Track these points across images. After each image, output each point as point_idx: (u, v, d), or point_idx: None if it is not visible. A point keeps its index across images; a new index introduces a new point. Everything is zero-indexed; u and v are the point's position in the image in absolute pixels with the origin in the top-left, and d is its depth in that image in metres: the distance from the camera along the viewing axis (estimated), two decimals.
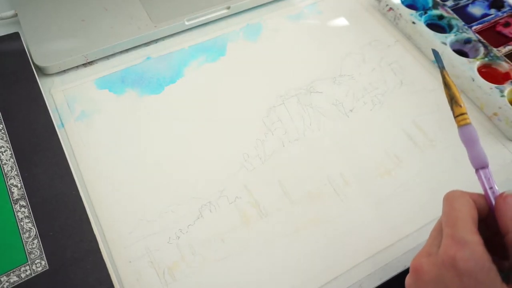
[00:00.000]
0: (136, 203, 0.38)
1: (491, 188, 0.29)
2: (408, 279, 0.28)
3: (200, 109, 0.45)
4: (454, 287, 0.25)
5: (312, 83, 0.47)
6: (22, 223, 0.35)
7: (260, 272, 0.36)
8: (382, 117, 0.45)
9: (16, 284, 0.32)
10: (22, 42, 0.46)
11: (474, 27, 0.51)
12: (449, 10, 0.52)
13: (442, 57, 0.37)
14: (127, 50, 0.49)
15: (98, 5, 0.50)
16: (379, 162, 0.42)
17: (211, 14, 0.51)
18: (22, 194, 0.36)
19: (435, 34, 0.49)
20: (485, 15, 0.53)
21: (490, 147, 0.44)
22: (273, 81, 0.47)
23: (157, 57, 0.48)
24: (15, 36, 0.46)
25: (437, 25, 0.52)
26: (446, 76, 0.33)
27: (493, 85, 0.45)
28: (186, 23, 0.50)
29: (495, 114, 0.45)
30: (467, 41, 0.49)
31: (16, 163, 0.38)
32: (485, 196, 0.29)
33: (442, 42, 0.48)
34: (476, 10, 0.54)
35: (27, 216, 0.35)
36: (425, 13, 0.51)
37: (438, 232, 0.28)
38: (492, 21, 0.52)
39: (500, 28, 0.52)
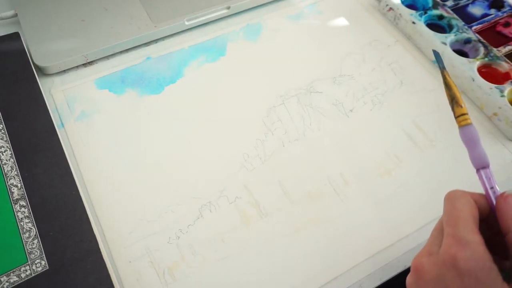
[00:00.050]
0: (136, 203, 0.38)
1: (492, 188, 0.29)
2: (409, 279, 0.28)
3: (200, 109, 0.45)
4: (455, 287, 0.25)
5: (312, 83, 0.47)
6: (22, 223, 0.35)
7: (260, 272, 0.36)
8: (382, 117, 0.45)
9: (16, 284, 0.32)
10: (22, 42, 0.46)
11: (474, 27, 0.51)
12: (449, 10, 0.52)
13: (442, 57, 0.37)
14: (127, 50, 0.49)
15: (98, 5, 0.50)
16: (379, 162, 0.42)
17: (211, 14, 0.51)
18: (22, 194, 0.36)
19: (435, 34, 0.49)
20: (485, 15, 0.53)
21: (490, 147, 0.44)
22: (273, 81, 0.47)
23: (157, 57, 0.48)
24: (15, 36, 0.46)
25: (437, 25, 0.52)
26: (447, 76, 0.33)
27: (493, 85, 0.45)
28: (186, 23, 0.50)
29: (495, 114, 0.45)
30: (467, 41, 0.49)
31: (16, 163, 0.38)
32: (486, 196, 0.29)
33: (442, 42, 0.48)
34: (476, 10, 0.54)
35: (27, 216, 0.35)
36: (425, 13, 0.51)
37: (439, 231, 0.28)
38: (492, 21, 0.52)
39: (500, 28, 0.52)
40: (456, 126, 0.32)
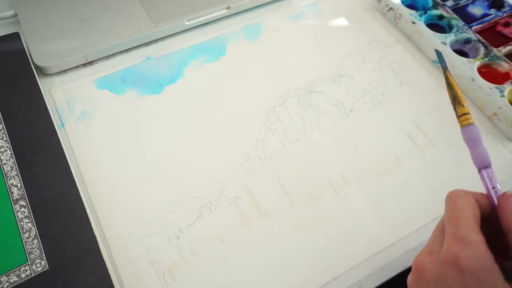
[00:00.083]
0: (136, 203, 0.38)
1: (493, 187, 0.29)
2: (410, 278, 0.28)
3: (200, 109, 0.45)
4: (456, 286, 0.25)
5: (312, 83, 0.47)
6: (22, 223, 0.35)
7: (260, 272, 0.36)
8: (382, 117, 0.45)
9: (16, 284, 0.32)
10: (22, 42, 0.46)
11: (474, 27, 0.51)
12: (449, 10, 0.52)
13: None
14: (127, 50, 0.49)
15: (98, 5, 0.50)
16: (379, 162, 0.42)
17: (211, 14, 0.51)
18: (22, 194, 0.36)
19: (435, 34, 0.49)
20: (485, 15, 0.53)
21: (490, 147, 0.44)
22: (273, 81, 0.47)
23: (157, 57, 0.48)
24: (15, 36, 0.46)
25: (437, 25, 0.52)
26: (449, 76, 0.33)
27: (493, 85, 0.45)
28: (186, 23, 0.50)
29: (495, 114, 0.45)
30: (467, 41, 0.49)
31: (16, 163, 0.37)
32: (488, 196, 0.29)
33: (442, 42, 0.48)
34: (476, 10, 0.54)
35: (27, 216, 0.35)
36: (425, 13, 0.51)
37: (441, 230, 0.28)
38: (492, 21, 0.52)
39: (500, 28, 0.52)
40: (456, 126, 0.32)
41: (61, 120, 0.43)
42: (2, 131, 0.39)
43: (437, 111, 0.46)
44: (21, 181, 0.37)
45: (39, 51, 0.45)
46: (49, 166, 0.38)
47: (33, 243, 0.34)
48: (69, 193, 0.37)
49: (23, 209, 0.35)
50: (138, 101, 0.45)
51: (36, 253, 0.33)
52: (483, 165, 0.30)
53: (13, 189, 0.36)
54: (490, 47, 0.48)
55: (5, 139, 0.39)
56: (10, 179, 0.37)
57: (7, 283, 0.32)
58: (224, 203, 0.39)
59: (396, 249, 0.38)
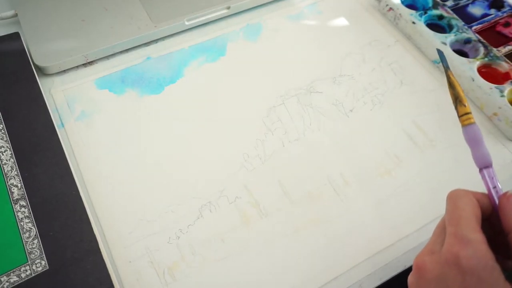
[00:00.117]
0: (136, 203, 0.38)
1: (494, 187, 0.29)
2: (410, 277, 0.28)
3: (200, 109, 0.45)
4: (457, 285, 0.25)
5: (312, 83, 0.47)
6: (22, 223, 0.35)
7: (260, 272, 0.36)
8: (382, 117, 0.45)
9: (16, 284, 0.32)
10: (22, 42, 0.46)
11: (474, 27, 0.51)
12: (449, 10, 0.52)
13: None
14: (127, 50, 0.49)
15: (98, 5, 0.50)
16: (379, 162, 0.42)
17: (211, 14, 0.51)
18: (22, 194, 0.36)
19: (435, 34, 0.49)
20: (485, 15, 0.53)
21: (490, 147, 0.43)
22: (273, 81, 0.47)
23: (157, 57, 0.48)
24: (15, 36, 0.46)
25: (437, 25, 0.52)
26: (451, 76, 0.33)
27: (493, 85, 0.45)
28: (186, 23, 0.50)
29: (495, 114, 0.45)
30: (467, 41, 0.49)
31: (16, 163, 0.37)
32: (489, 195, 0.29)
33: (442, 42, 0.48)
34: (476, 10, 0.54)
35: (27, 216, 0.35)
36: (425, 13, 0.51)
37: (442, 230, 0.28)
38: (492, 21, 0.52)
39: (500, 28, 0.52)
40: (456, 125, 0.32)
41: (61, 120, 0.43)
42: (2, 131, 0.39)
43: (437, 111, 0.46)
44: (21, 181, 0.37)
45: (39, 51, 0.45)
46: (49, 166, 0.38)
47: (33, 243, 0.34)
48: (69, 193, 0.37)
49: (23, 209, 0.35)
50: (138, 101, 0.45)
51: (36, 253, 0.33)
52: (484, 165, 0.30)
53: (13, 189, 0.36)
54: (490, 47, 0.48)
55: (5, 139, 0.39)
56: (10, 179, 0.37)
57: (7, 283, 0.32)
58: (224, 203, 0.39)
59: (396, 249, 0.38)
